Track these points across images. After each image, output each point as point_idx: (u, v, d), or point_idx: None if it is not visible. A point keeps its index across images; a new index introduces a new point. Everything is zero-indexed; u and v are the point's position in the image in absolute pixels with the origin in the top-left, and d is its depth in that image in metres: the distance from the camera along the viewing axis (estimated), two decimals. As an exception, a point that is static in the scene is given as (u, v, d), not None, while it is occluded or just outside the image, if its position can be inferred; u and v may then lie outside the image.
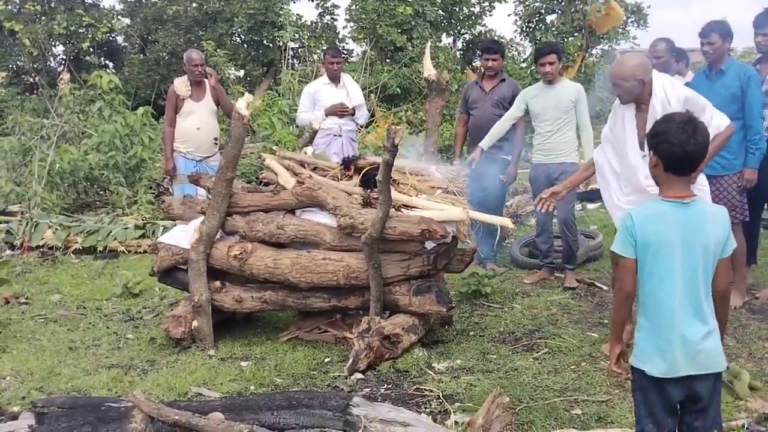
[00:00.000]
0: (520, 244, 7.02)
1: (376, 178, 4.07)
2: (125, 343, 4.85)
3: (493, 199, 6.33)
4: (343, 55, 11.60)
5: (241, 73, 17.39)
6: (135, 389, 3.63)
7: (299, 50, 15.80)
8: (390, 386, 3.97)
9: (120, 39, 19.27)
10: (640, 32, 16.81)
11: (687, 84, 5.32)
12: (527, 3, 16.46)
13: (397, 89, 14.54)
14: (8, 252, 7.43)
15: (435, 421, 3.44)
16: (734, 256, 4.90)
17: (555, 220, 6.19)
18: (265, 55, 17.32)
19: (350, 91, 7.05)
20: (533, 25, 16.19)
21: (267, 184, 5.16)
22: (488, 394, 3.19)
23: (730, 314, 4.73)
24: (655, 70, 4.06)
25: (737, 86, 4.94)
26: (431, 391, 3.86)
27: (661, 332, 2.50)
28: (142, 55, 17.80)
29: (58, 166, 8.36)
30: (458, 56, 17.23)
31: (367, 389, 3.91)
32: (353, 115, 7.01)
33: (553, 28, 15.64)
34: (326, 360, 4.41)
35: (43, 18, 16.79)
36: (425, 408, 3.67)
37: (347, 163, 4.91)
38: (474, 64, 17.68)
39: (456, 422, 3.44)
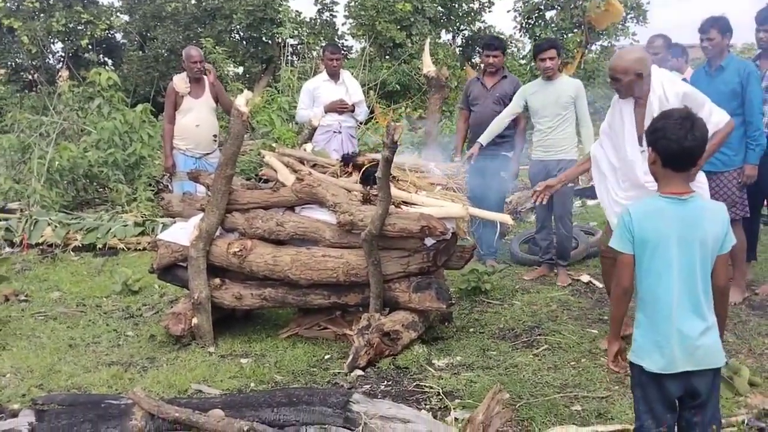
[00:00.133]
0: (520, 240, 7.02)
1: (376, 174, 4.06)
2: (125, 340, 4.85)
3: (493, 196, 6.33)
4: (343, 52, 11.59)
5: (240, 70, 17.38)
6: (135, 386, 3.63)
7: (298, 47, 15.77)
8: (390, 383, 3.97)
9: (119, 36, 19.24)
10: (640, 28, 16.84)
11: (685, 80, 5.32)
12: (526, -1, 16.46)
13: (397, 86, 14.54)
14: (8, 249, 7.43)
15: (435, 417, 3.45)
16: (734, 253, 4.93)
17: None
18: (264, 52, 17.30)
19: (350, 88, 7.04)
20: (532, 22, 16.17)
21: (266, 181, 5.16)
22: (488, 391, 3.18)
23: (729, 310, 4.74)
24: (654, 66, 4.04)
25: (737, 82, 4.94)
26: (431, 387, 3.86)
27: (659, 328, 2.51)
28: (141, 52, 17.78)
29: (57, 163, 8.36)
30: (457, 53, 17.22)
31: (367, 386, 3.92)
32: (353, 111, 7.00)
33: (553, 25, 15.63)
34: (326, 357, 4.41)
35: (42, 15, 16.75)
36: (425, 404, 3.67)
37: (347, 159, 4.90)
38: (473, 60, 17.68)
39: (456, 419, 3.44)
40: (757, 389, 3.68)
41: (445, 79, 6.99)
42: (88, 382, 4.06)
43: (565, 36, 15.14)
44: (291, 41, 15.18)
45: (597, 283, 5.78)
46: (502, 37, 15.83)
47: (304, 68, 12.84)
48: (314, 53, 14.39)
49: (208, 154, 6.97)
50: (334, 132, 6.89)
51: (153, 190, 8.60)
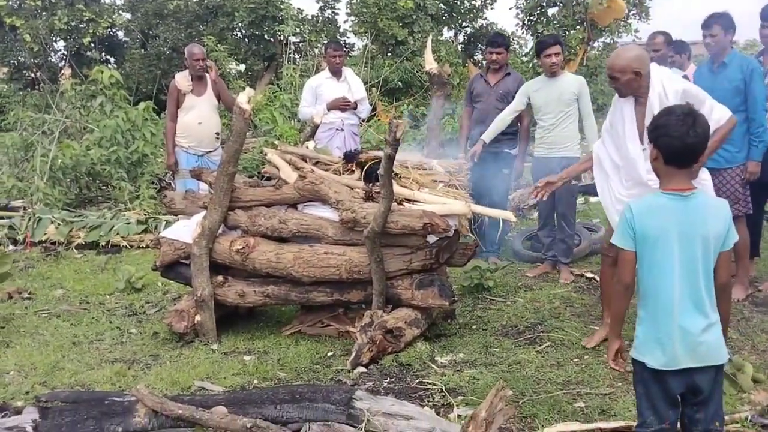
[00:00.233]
0: (523, 237, 7.02)
1: (378, 171, 4.06)
2: (128, 337, 4.85)
3: (496, 193, 6.33)
4: (345, 49, 11.58)
5: (242, 67, 17.37)
6: (138, 383, 3.63)
7: (300, 44, 15.77)
8: (393, 380, 3.98)
9: (121, 34, 19.24)
10: (642, 25, 16.72)
11: (686, 77, 5.31)
12: (528, -4, 16.40)
13: (399, 83, 14.52)
14: (11, 247, 7.44)
15: (438, 414, 3.45)
16: (737, 250, 4.93)
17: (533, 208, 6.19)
18: (266, 50, 17.29)
19: (352, 85, 7.04)
20: (535, 18, 16.11)
21: (269, 179, 5.16)
22: (491, 388, 3.18)
23: (733, 307, 4.74)
24: (654, 64, 4.03)
25: (740, 79, 4.93)
26: (434, 384, 3.86)
27: (661, 325, 2.51)
28: (143, 50, 17.78)
29: (60, 161, 8.36)
30: (460, 50, 17.19)
31: (370, 383, 3.92)
32: (355, 109, 7.00)
33: (555, 21, 15.57)
34: (329, 354, 4.41)
35: (44, 13, 16.76)
36: (428, 401, 3.68)
37: (349, 157, 4.90)
38: (475, 57, 17.65)
39: (459, 415, 3.44)
40: (760, 386, 3.68)
41: (447, 77, 6.99)
42: (91, 380, 4.07)
43: (567, 33, 15.09)
44: (293, 39, 15.16)
45: (599, 280, 5.78)
46: (505, 33, 15.80)
47: (306, 66, 12.83)
48: (316, 51, 14.38)
49: (210, 151, 6.98)
50: (337, 129, 6.89)
51: (156, 188, 8.60)
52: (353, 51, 17.46)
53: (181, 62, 7.98)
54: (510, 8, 16.10)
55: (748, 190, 5.05)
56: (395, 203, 4.26)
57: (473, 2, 17.65)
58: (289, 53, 13.79)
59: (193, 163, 6.57)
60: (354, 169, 4.83)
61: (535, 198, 4.59)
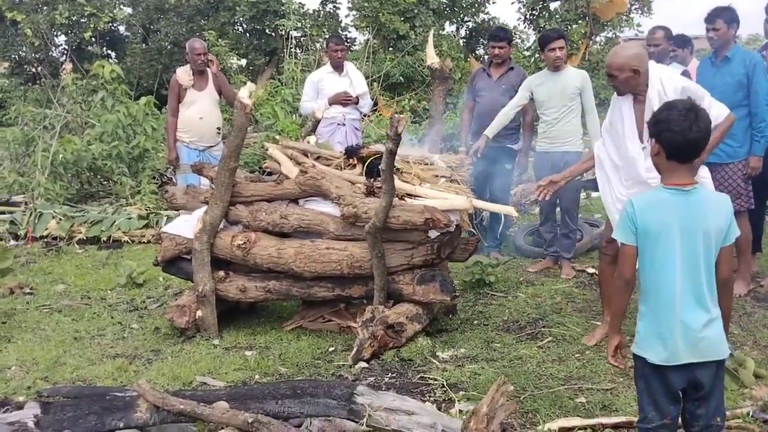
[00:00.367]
0: (525, 232, 7.01)
1: (380, 167, 4.06)
2: (130, 332, 4.86)
3: (497, 188, 6.32)
4: (346, 44, 11.53)
5: (244, 62, 17.33)
6: (140, 379, 3.63)
7: (302, 39, 15.73)
8: (394, 375, 3.98)
9: (122, 29, 19.19)
10: (645, 19, 16.65)
11: (687, 72, 5.29)
12: (531, -10, 16.34)
13: (400, 78, 14.48)
14: (12, 242, 7.44)
15: (439, 409, 3.45)
16: (740, 245, 4.93)
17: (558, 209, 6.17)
18: (268, 44, 17.26)
19: (354, 80, 7.02)
20: (537, 13, 16.07)
21: (270, 174, 5.15)
22: (492, 383, 3.18)
23: (734, 302, 4.74)
24: (652, 62, 4.02)
25: (743, 73, 4.91)
26: (435, 379, 3.86)
27: (662, 320, 2.50)
28: (144, 45, 17.75)
29: (61, 156, 8.36)
30: (461, 44, 17.14)
31: (372, 378, 3.92)
32: (357, 103, 6.98)
33: (557, 16, 15.53)
34: (330, 349, 4.41)
35: (45, 8, 16.72)
36: (430, 396, 3.68)
37: (351, 152, 4.89)
38: (477, 52, 17.61)
39: (460, 410, 3.44)
40: (762, 381, 3.67)
41: (448, 71, 6.97)
42: (93, 375, 4.07)
43: (569, 27, 15.05)
44: (294, 33, 15.11)
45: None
46: (507, 28, 15.76)
47: (308, 60, 12.80)
48: (318, 45, 14.34)
49: (211, 146, 6.97)
50: (338, 124, 6.88)
51: (157, 183, 8.60)
52: (355, 45, 17.42)
53: (182, 57, 7.97)
54: (512, 2, 16.01)
55: (750, 185, 5.04)
56: (397, 198, 4.25)
57: (475, -4, 17.61)
58: (291, 48, 13.75)
59: (194, 158, 6.56)
60: (355, 164, 4.82)
61: (538, 197, 4.56)
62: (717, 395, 2.56)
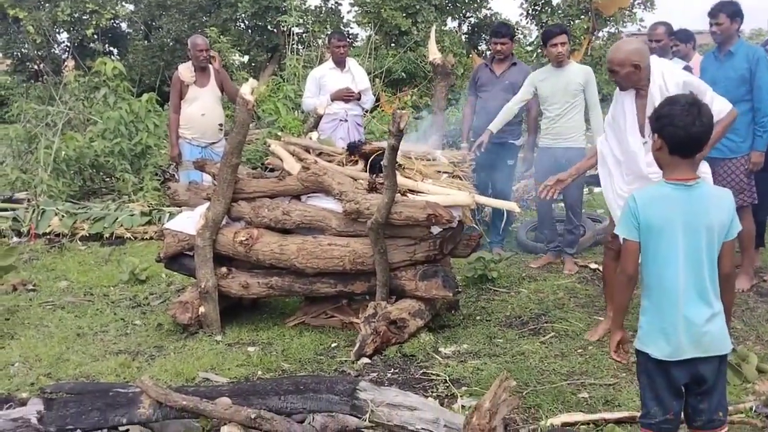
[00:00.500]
0: (527, 228, 7.00)
1: (382, 162, 4.05)
2: (133, 329, 4.87)
3: (500, 183, 6.31)
4: (348, 40, 11.54)
5: (246, 58, 17.34)
6: (143, 375, 3.64)
7: (304, 35, 15.72)
8: (397, 371, 3.98)
9: (124, 25, 19.23)
10: (647, 14, 16.68)
11: (689, 67, 5.27)
12: (533, -15, 16.32)
13: (402, 74, 14.47)
14: (15, 239, 7.45)
15: (442, 405, 3.45)
16: (743, 240, 4.92)
17: (558, 204, 6.15)
18: (270, 41, 17.25)
19: (356, 76, 7.01)
20: (539, 8, 16.06)
21: (272, 170, 5.15)
22: (495, 378, 3.18)
23: (737, 297, 4.74)
24: (654, 56, 4.01)
25: (746, 68, 4.89)
26: (438, 375, 3.86)
27: (665, 315, 2.50)
28: (146, 42, 17.77)
29: (63, 153, 8.36)
30: (463, 40, 17.12)
31: (374, 374, 3.93)
32: (359, 99, 6.98)
33: (560, 11, 15.52)
34: (333, 345, 4.42)
35: (47, 5, 16.75)
36: (432, 392, 3.68)
37: (353, 148, 4.89)
38: (479, 48, 17.59)
39: (463, 406, 3.44)
40: (765, 376, 3.67)
41: (451, 67, 6.94)
42: (96, 371, 4.08)
43: (572, 22, 15.03)
44: (296, 29, 15.12)
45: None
46: (510, 24, 15.73)
47: (310, 56, 12.78)
48: (320, 41, 14.34)
49: (213, 143, 6.97)
50: (341, 120, 6.87)
51: (159, 180, 8.60)
52: (357, 41, 17.40)
53: (184, 53, 7.98)
54: (514, -2, 16.06)
55: (752, 180, 5.02)
56: (399, 194, 4.25)
57: (477, -8, 17.58)
58: (293, 44, 13.75)
59: (196, 155, 6.55)
60: (357, 160, 4.81)
61: (544, 196, 4.53)
62: (719, 390, 2.56)
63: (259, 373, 4.02)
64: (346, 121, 6.88)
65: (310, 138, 5.31)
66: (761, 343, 4.18)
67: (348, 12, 17.35)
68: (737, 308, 4.61)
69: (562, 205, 6.21)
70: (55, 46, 17.65)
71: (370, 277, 4.42)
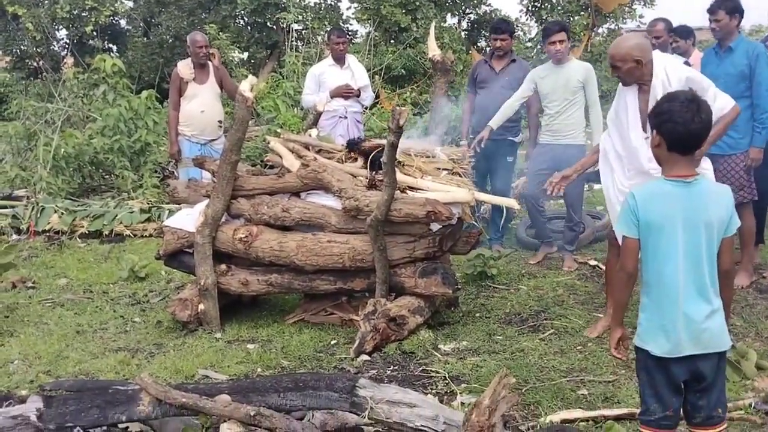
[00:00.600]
0: (526, 225, 7.00)
1: (381, 159, 4.05)
2: (132, 326, 4.87)
3: (499, 180, 6.31)
4: (348, 36, 11.49)
5: (245, 55, 17.30)
6: (142, 372, 3.64)
7: (303, 32, 15.69)
8: (396, 368, 3.98)
9: (123, 22, 19.17)
10: (647, 11, 16.63)
11: (687, 63, 5.27)
12: (533, -18, 16.30)
13: (402, 70, 14.44)
14: (15, 237, 7.45)
15: (441, 402, 3.45)
16: (743, 236, 4.92)
17: (548, 201, 6.16)
18: (269, 38, 17.22)
19: (355, 73, 7.00)
20: (539, 5, 16.04)
21: (272, 167, 5.15)
22: (494, 375, 3.18)
23: (737, 294, 4.74)
24: (657, 51, 4.00)
25: (745, 64, 4.89)
26: (437, 372, 3.87)
27: (666, 312, 2.50)
28: (145, 39, 17.72)
29: (63, 150, 8.35)
30: (463, 36, 17.09)
31: (374, 371, 3.93)
32: (358, 96, 6.97)
33: (559, 7, 15.50)
34: (332, 342, 4.42)
35: (46, 2, 16.71)
36: (432, 389, 3.68)
37: (352, 145, 4.88)
38: (479, 44, 17.56)
39: (462, 403, 3.45)
40: (764, 373, 3.67)
41: (450, 63, 6.94)
42: (95, 368, 4.08)
43: (571, 19, 15.02)
44: (296, 26, 15.08)
45: (604, 268, 5.77)
46: (509, 20, 15.70)
47: (309, 53, 12.76)
48: (319, 38, 14.31)
49: (213, 140, 6.96)
50: (340, 117, 6.86)
51: (159, 177, 8.59)
52: (356, 38, 17.37)
53: (184, 50, 7.96)
54: (514, -6, 16.01)
55: (752, 176, 5.02)
56: (398, 191, 4.25)
57: (477, -11, 17.54)
58: (292, 41, 13.73)
59: (196, 152, 6.55)
60: (357, 157, 4.81)
61: (550, 193, 4.52)
62: (719, 387, 2.56)
63: (259, 370, 4.02)
64: (346, 118, 6.87)
65: (310, 135, 5.30)
66: (760, 340, 4.18)
67: (347, 9, 17.28)
68: (737, 305, 4.61)
69: (562, 201, 6.21)
70: (54, 43, 17.61)
71: (370, 274, 4.42)
